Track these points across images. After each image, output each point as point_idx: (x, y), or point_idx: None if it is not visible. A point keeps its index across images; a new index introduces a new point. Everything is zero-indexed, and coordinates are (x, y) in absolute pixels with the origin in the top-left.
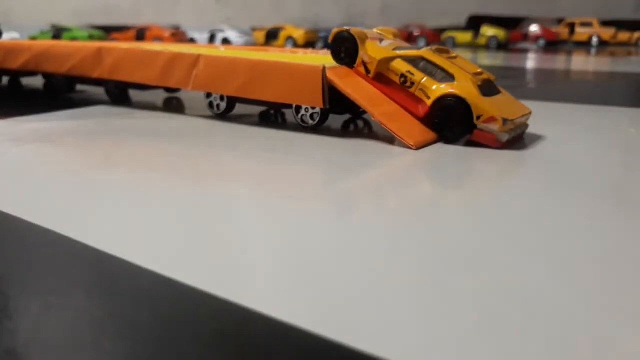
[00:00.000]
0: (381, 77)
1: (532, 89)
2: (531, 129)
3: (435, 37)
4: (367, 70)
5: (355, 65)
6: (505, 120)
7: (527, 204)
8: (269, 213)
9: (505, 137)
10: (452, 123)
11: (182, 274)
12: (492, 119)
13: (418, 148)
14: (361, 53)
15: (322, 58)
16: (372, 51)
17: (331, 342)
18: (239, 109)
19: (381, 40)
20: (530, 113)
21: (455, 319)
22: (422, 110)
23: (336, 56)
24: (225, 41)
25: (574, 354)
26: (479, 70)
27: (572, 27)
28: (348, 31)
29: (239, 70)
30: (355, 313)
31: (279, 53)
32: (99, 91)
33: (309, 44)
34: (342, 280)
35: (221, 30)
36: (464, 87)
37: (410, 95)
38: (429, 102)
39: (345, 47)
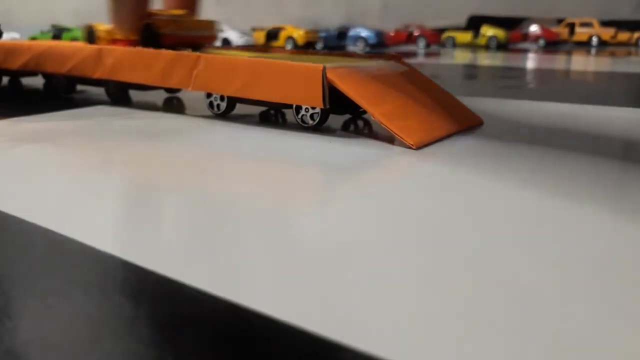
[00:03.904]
0: None
1: (532, 88)
2: (532, 129)
3: (435, 37)
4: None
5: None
6: None
7: (526, 203)
8: (268, 213)
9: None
10: None
11: (182, 274)
12: None
13: (418, 148)
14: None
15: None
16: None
17: (331, 343)
18: (239, 109)
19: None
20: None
21: (455, 319)
22: None
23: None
24: (226, 41)
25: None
26: None
27: (572, 27)
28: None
29: (239, 71)
30: (355, 314)
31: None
32: (99, 91)
33: (309, 44)
34: (342, 280)
35: (221, 31)
36: None
37: None
38: None
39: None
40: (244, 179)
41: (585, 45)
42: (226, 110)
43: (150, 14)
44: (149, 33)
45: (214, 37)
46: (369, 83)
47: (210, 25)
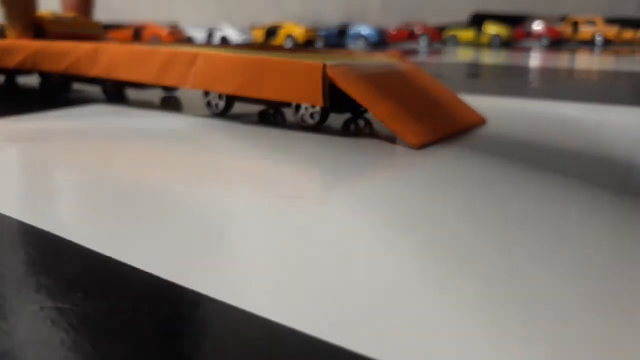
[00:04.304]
0: None
1: (535, 87)
2: (535, 128)
3: (437, 35)
4: None
5: None
6: None
7: (526, 204)
8: (268, 214)
9: None
10: None
11: (180, 275)
12: None
13: (420, 147)
14: None
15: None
16: None
17: (331, 346)
18: (238, 107)
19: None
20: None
21: (455, 320)
22: None
23: None
24: (224, 40)
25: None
26: None
27: (575, 25)
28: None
29: (237, 69)
30: (355, 316)
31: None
32: (96, 89)
33: (309, 42)
34: (342, 282)
35: (219, 29)
36: None
37: None
38: None
39: None
40: (242, 178)
41: (589, 43)
42: (225, 109)
43: (38, 16)
44: (37, 30)
45: (97, 35)
46: (370, 81)
47: (94, 25)
